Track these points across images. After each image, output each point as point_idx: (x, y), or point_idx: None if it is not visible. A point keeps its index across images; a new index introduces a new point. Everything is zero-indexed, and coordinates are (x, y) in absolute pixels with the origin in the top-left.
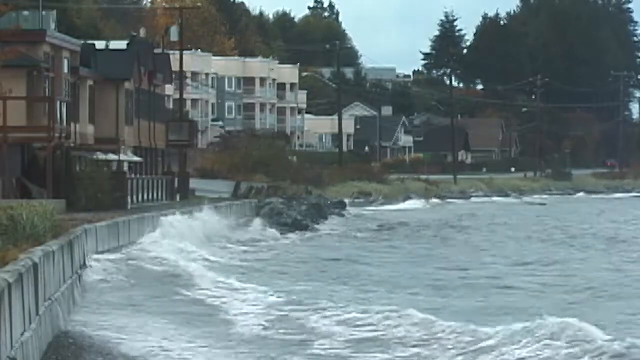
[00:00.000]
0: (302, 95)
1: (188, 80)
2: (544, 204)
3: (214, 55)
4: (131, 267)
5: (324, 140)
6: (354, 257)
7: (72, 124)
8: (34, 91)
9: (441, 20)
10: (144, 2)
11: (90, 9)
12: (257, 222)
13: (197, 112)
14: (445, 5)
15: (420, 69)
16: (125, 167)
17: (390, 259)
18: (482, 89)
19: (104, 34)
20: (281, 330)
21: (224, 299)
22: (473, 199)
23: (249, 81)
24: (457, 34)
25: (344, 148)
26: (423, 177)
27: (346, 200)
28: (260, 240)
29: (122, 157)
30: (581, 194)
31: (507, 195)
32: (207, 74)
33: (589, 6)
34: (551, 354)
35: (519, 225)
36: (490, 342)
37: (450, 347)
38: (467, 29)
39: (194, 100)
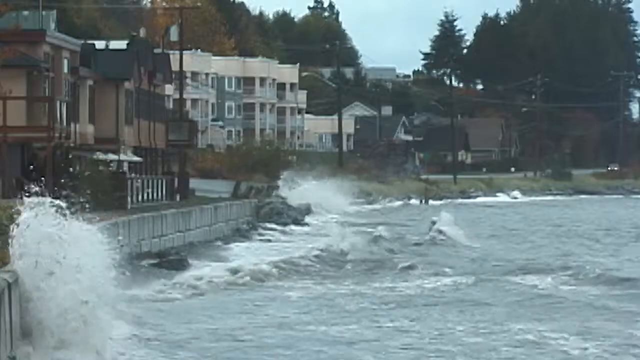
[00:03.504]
0: (302, 95)
1: (188, 80)
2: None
3: (214, 55)
4: None
5: (324, 140)
6: None
7: (72, 124)
8: (34, 91)
9: (441, 20)
10: (144, 2)
11: (90, 9)
12: None
13: (197, 112)
14: (445, 5)
15: (420, 69)
16: (125, 167)
17: None
18: (482, 89)
19: (104, 34)
20: None
21: None
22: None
23: (249, 81)
24: (457, 34)
25: (344, 148)
26: (423, 177)
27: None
28: None
29: (122, 157)
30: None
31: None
32: (207, 74)
33: (589, 6)
34: None
35: None
36: None
37: None
38: (467, 29)
39: (194, 100)
